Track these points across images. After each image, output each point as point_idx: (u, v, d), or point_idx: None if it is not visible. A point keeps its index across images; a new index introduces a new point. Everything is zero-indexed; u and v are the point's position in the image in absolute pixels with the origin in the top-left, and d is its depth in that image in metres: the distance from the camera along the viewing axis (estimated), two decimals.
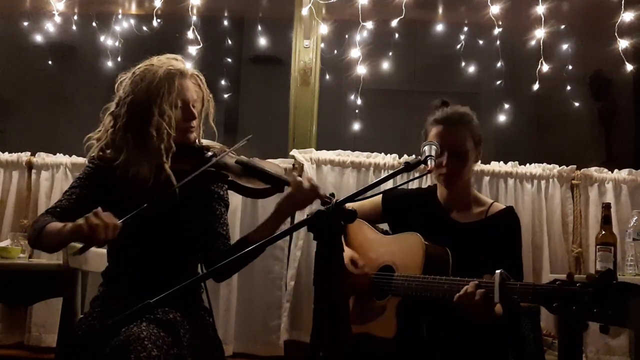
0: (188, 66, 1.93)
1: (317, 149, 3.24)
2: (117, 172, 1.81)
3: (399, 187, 2.34)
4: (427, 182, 2.86)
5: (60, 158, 3.24)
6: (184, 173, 1.81)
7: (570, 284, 1.49)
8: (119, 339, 1.55)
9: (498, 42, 3.63)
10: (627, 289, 1.39)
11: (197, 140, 1.94)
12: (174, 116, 1.81)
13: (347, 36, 3.62)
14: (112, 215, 1.59)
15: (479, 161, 2.10)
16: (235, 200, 2.97)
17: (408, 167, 1.53)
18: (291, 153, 3.20)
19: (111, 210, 1.76)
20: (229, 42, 4.50)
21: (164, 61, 1.87)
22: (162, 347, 1.56)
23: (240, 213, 3.05)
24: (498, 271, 1.61)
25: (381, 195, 2.16)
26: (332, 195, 1.83)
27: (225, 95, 4.42)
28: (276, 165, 2.00)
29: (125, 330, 1.56)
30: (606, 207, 2.71)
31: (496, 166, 3.16)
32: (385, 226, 2.21)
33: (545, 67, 3.41)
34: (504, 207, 2.03)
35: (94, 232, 1.54)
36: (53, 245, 1.70)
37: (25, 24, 3.80)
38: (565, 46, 3.68)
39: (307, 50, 3.43)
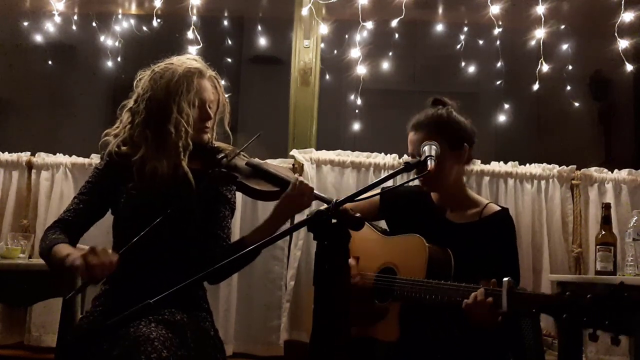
0: (207, 68, 1.95)
1: (317, 149, 3.24)
2: (134, 168, 1.82)
3: (398, 186, 2.33)
4: None
5: (60, 158, 3.24)
6: (196, 172, 1.82)
7: (581, 295, 1.48)
8: (128, 339, 1.54)
9: (498, 42, 3.63)
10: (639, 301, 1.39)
11: (210, 142, 1.95)
12: (191, 115, 1.84)
13: (347, 36, 3.62)
14: (107, 251, 1.61)
15: (471, 161, 2.06)
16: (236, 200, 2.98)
17: (408, 167, 1.53)
18: (291, 153, 3.20)
19: (123, 208, 1.78)
20: (229, 42, 4.50)
21: (183, 60, 1.90)
22: (171, 348, 1.56)
23: (240, 214, 3.05)
24: (505, 279, 1.60)
25: (379, 194, 2.15)
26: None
27: (225, 95, 4.41)
28: (286, 169, 2.00)
29: (135, 331, 1.56)
30: (606, 207, 2.71)
31: (496, 166, 3.16)
32: (383, 223, 2.20)
33: (545, 67, 3.41)
34: (499, 208, 2.01)
35: (92, 272, 1.57)
36: (56, 269, 1.73)
37: (25, 24, 3.80)
38: (565, 46, 3.68)
39: (307, 50, 3.43)
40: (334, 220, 1.32)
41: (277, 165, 2.04)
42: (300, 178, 1.84)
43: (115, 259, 1.60)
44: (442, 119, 1.98)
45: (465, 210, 2.01)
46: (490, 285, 1.66)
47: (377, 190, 2.14)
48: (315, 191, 1.84)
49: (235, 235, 2.91)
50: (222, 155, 1.90)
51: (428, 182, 1.98)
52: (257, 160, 1.97)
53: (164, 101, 1.82)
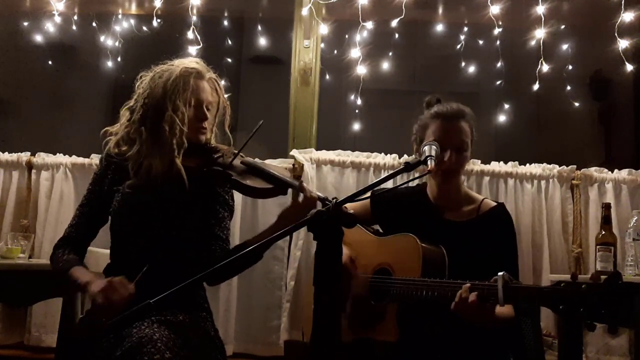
0: (207, 70, 1.97)
1: (317, 149, 3.24)
2: (129, 164, 1.85)
3: (388, 188, 2.32)
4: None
5: (60, 158, 3.24)
6: (191, 170, 1.83)
7: (576, 285, 1.47)
8: (131, 339, 1.55)
9: (498, 42, 3.64)
10: (634, 290, 1.39)
11: (207, 142, 1.96)
12: (187, 114, 1.86)
13: (347, 36, 3.62)
14: (125, 280, 1.64)
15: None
16: (235, 201, 2.97)
17: (408, 167, 1.52)
18: (291, 153, 3.20)
19: (119, 205, 1.80)
20: (229, 42, 4.51)
21: (183, 61, 1.94)
22: (173, 349, 1.56)
23: (240, 214, 3.05)
24: (501, 273, 1.60)
25: (369, 197, 2.14)
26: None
27: (225, 95, 4.41)
28: (282, 169, 2.01)
29: (138, 331, 1.57)
30: (606, 207, 2.71)
31: (496, 166, 3.16)
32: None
33: (545, 67, 3.41)
34: (495, 204, 2.02)
35: (114, 308, 1.58)
36: (72, 290, 1.78)
37: (25, 24, 3.80)
38: (565, 46, 3.68)
39: (307, 50, 3.43)
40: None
41: (272, 165, 2.05)
42: (309, 190, 1.82)
43: (133, 290, 1.64)
44: (470, 111, 2.02)
45: (462, 207, 2.01)
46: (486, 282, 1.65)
47: (367, 194, 2.12)
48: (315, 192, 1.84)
49: (235, 235, 2.92)
50: (219, 154, 1.91)
51: (449, 176, 1.98)
52: (251, 159, 1.98)
53: (160, 99, 1.85)
